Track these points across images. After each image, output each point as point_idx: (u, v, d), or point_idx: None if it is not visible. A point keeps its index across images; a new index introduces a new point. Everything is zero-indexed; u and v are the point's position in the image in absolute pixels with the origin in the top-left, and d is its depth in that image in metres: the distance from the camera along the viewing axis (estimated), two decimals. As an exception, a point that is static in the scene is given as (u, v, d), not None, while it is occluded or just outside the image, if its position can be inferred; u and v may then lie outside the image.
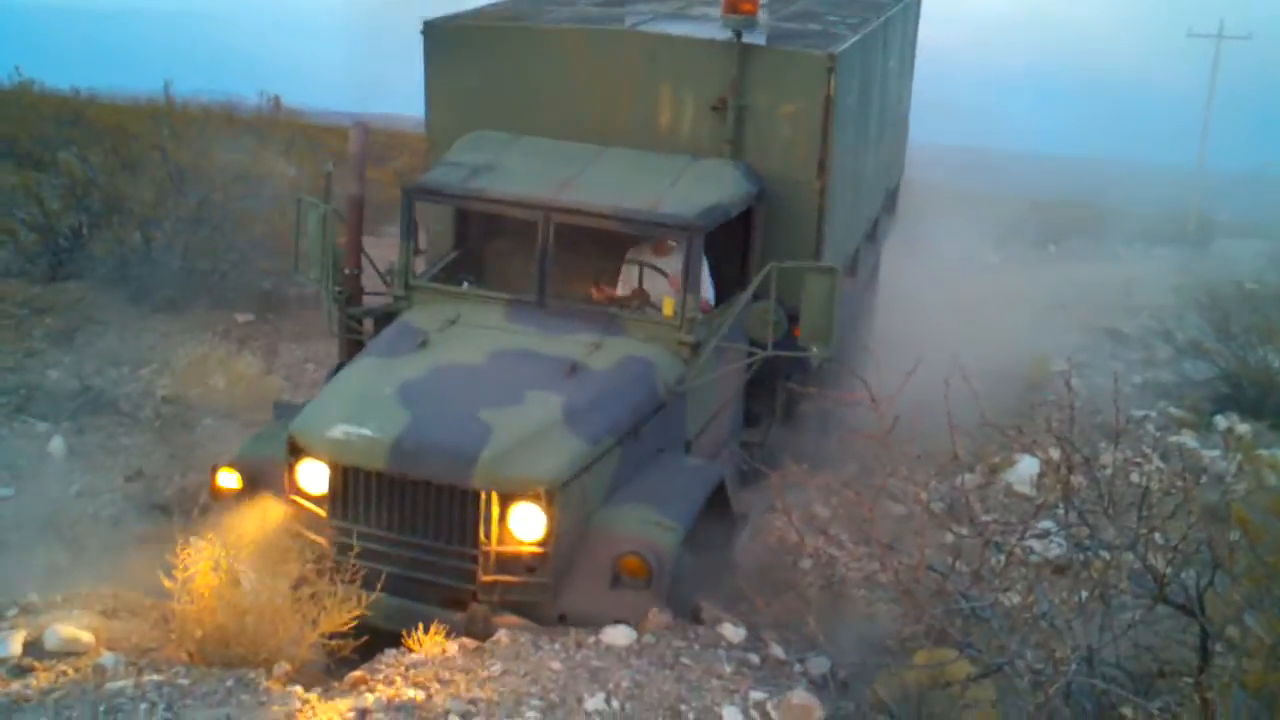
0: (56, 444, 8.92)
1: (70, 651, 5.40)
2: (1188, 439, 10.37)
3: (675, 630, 6.45)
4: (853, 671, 6.15)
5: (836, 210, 7.92)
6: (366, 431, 6.08)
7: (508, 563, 5.97)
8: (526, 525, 5.95)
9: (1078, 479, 5.28)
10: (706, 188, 7.30)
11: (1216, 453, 10.01)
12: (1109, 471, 5.89)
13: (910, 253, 12.58)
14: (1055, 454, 5.56)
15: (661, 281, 7.43)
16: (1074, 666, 4.39)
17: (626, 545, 5.95)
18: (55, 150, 15.16)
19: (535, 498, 5.91)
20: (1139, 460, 9.63)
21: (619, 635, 5.86)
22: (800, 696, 5.22)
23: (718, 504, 6.75)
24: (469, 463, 5.90)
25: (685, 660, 5.92)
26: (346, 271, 7.40)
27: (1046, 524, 6.34)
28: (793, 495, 7.43)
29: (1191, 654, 4.88)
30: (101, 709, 4.83)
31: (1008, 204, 19.60)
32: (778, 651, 6.35)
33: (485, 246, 7.96)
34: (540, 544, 5.95)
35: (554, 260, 7.04)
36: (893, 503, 7.83)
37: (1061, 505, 5.13)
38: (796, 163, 7.60)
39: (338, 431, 6.11)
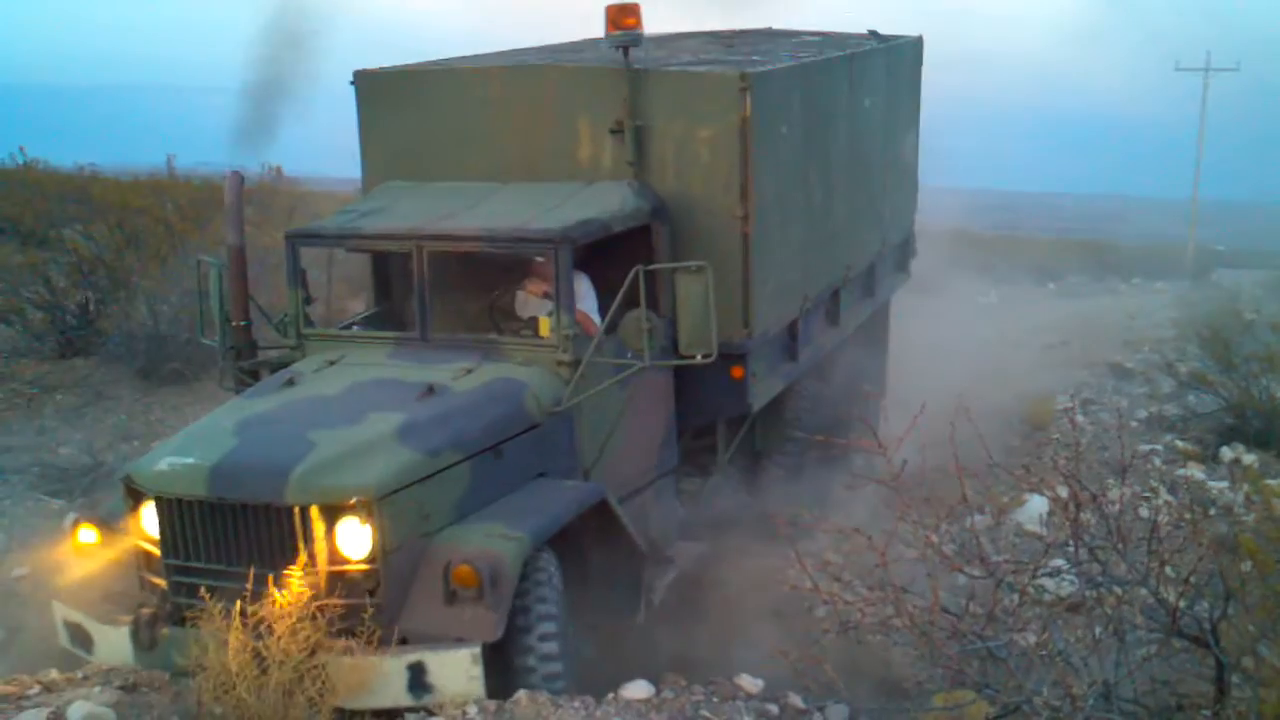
0: (70, 521, 8.95)
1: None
2: (1195, 471, 10.40)
3: (694, 683, 6.53)
4: (872, 717, 6.17)
5: (771, 244, 7.74)
6: (189, 460, 5.82)
7: (336, 584, 5.63)
8: (352, 541, 5.60)
9: (1086, 516, 5.33)
10: (586, 206, 7.14)
11: (1224, 484, 10.03)
12: (1117, 507, 5.92)
13: (909, 295, 12.67)
14: (1064, 492, 5.58)
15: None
16: (1091, 702, 4.41)
17: (458, 556, 5.58)
18: (60, 228, 15.37)
19: (358, 511, 5.56)
20: (1147, 495, 9.65)
21: (638, 690, 5.87)
22: (818, 745, 5.23)
23: (611, 533, 6.49)
24: (282, 478, 5.59)
25: (705, 713, 5.93)
26: (234, 324, 7.24)
27: (1058, 562, 6.37)
28: (803, 543, 7.50)
29: (1208, 686, 4.90)
30: (128, 784, 4.86)
31: (1004, 243, 19.75)
32: (796, 701, 6.37)
33: (404, 294, 7.76)
34: (368, 561, 5.59)
35: (433, 293, 6.89)
36: (904, 547, 7.84)
37: (1071, 543, 5.16)
38: (716, 189, 7.40)
39: (163, 464, 5.87)
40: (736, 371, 7.50)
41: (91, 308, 13.00)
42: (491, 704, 5.65)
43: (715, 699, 6.28)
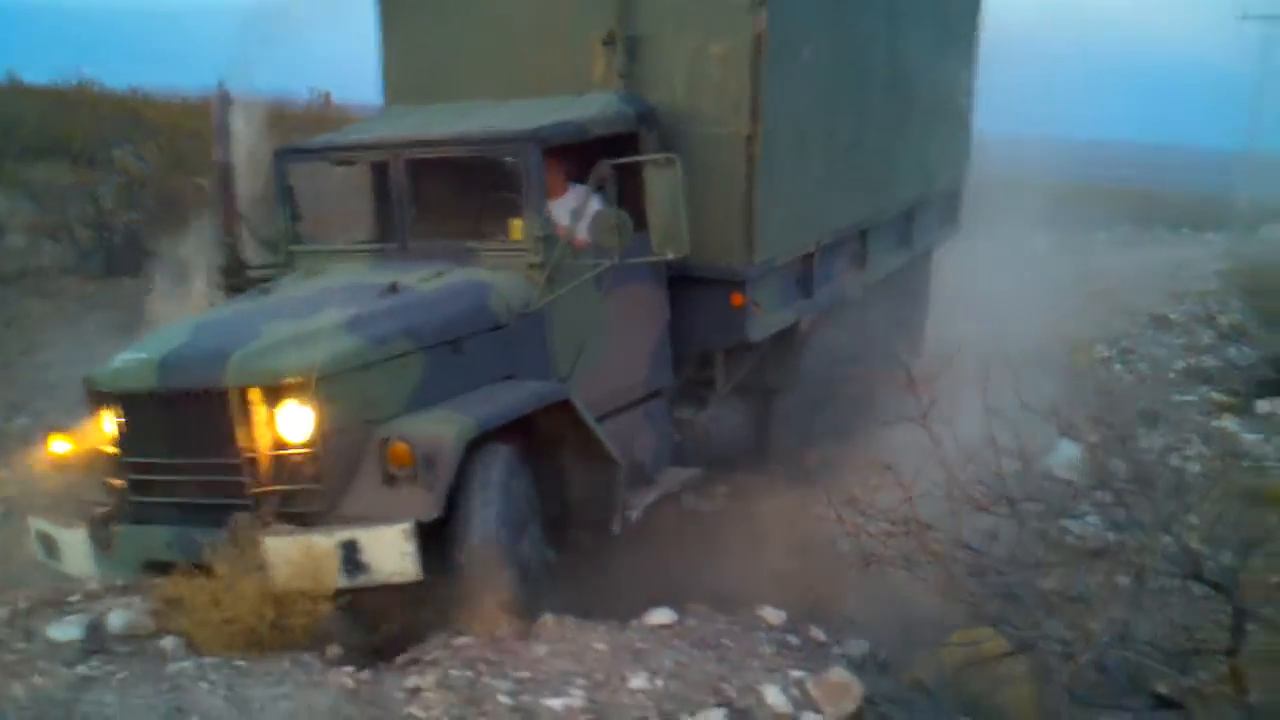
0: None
1: (132, 635, 5.54)
2: (1229, 423, 10.36)
3: (716, 612, 6.64)
4: (891, 652, 6.26)
5: (783, 170, 7.56)
6: (142, 355, 5.84)
7: (279, 470, 5.61)
8: (292, 425, 5.57)
9: (1116, 461, 5.35)
10: (563, 111, 7.04)
11: (1258, 436, 10.00)
12: (1151, 456, 5.94)
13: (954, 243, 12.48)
14: (1094, 438, 5.60)
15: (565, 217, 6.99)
16: (1106, 640, 4.47)
17: (395, 436, 5.52)
18: (110, 149, 15.50)
19: (297, 393, 5.52)
20: (1180, 445, 9.64)
21: (661, 616, 5.97)
22: (839, 675, 5.30)
23: (586, 442, 6.42)
24: (221, 362, 5.58)
25: (726, 641, 6.02)
26: (223, 240, 7.28)
27: (1084, 508, 6.41)
28: (830, 476, 7.55)
29: (1225, 633, 4.94)
30: (165, 688, 5.00)
31: (1055, 190, 19.43)
32: (817, 633, 6.45)
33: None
34: (308, 444, 5.56)
35: (420, 205, 6.88)
36: (931, 485, 7.86)
37: (1099, 489, 5.19)
38: (725, 106, 7.22)
39: (117, 362, 5.90)
40: (736, 299, 7.38)
41: (140, 227, 13.16)
42: (519, 625, 5.77)
43: (737, 629, 6.39)
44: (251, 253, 7.41)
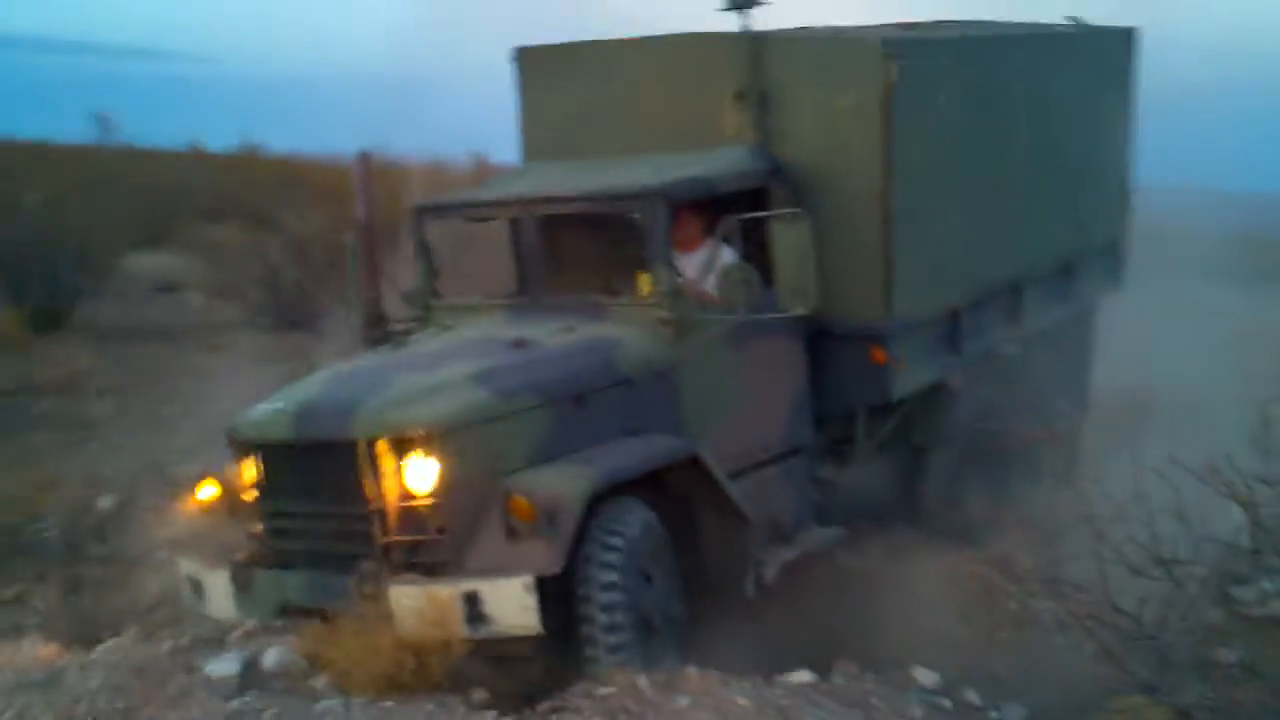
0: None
1: (285, 673, 5.66)
2: None
3: (866, 672, 6.49)
4: (1050, 718, 6.01)
5: (920, 222, 7.37)
6: (279, 405, 5.99)
7: (405, 521, 5.64)
8: (418, 476, 5.59)
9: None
10: (692, 166, 6.95)
11: None
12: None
13: (1136, 299, 11.96)
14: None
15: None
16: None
17: (518, 490, 5.50)
18: (277, 211, 16.18)
19: (424, 445, 5.56)
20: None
21: (802, 675, 5.85)
22: (983, 739, 5.13)
23: (719, 498, 6.33)
24: (350, 413, 5.69)
25: (874, 701, 5.88)
26: (363, 296, 7.39)
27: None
28: (982, 536, 7.31)
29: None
30: (311, 726, 5.10)
31: (1231, 243, 18.52)
32: (972, 697, 6.26)
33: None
34: (432, 495, 5.57)
35: (554, 261, 6.92)
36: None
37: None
38: (857, 159, 7.11)
39: (257, 413, 6.04)
40: (878, 354, 7.22)
41: (306, 284, 13.64)
42: (662, 677, 5.71)
43: (888, 689, 6.23)
44: (394, 308, 7.58)
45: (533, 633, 5.34)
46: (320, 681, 5.53)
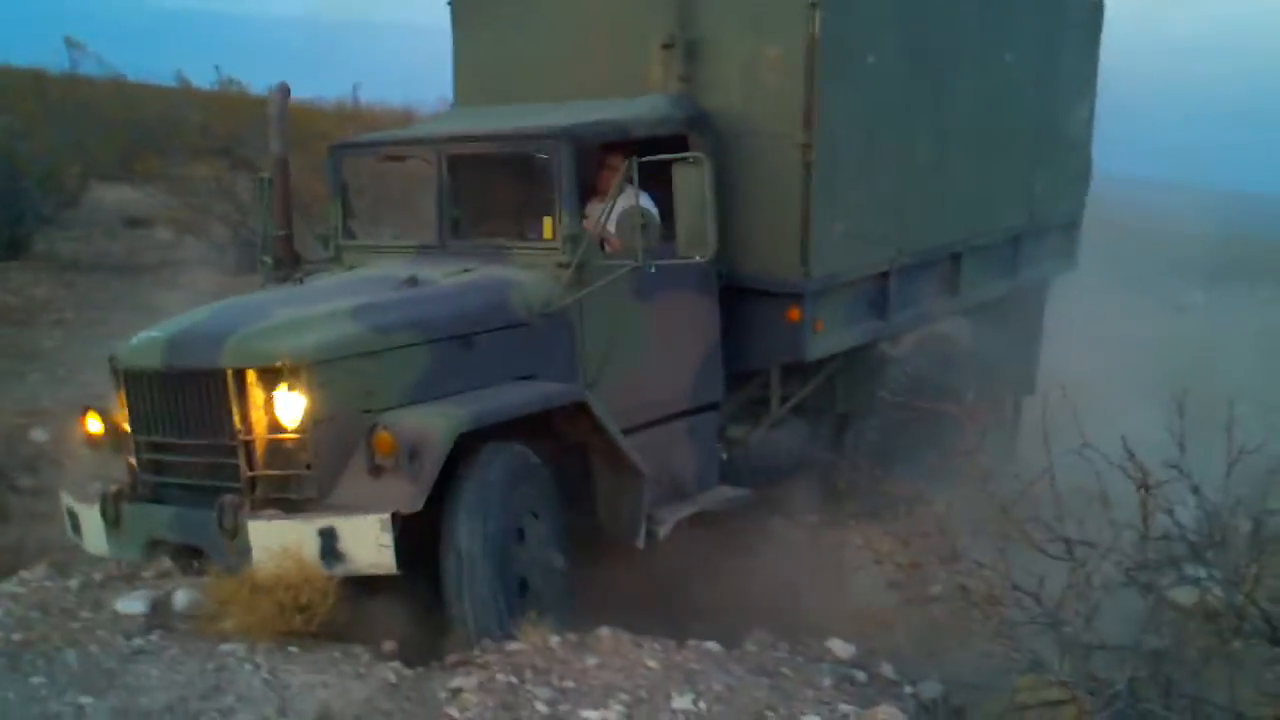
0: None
1: (195, 614, 5.59)
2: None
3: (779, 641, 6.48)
4: (970, 696, 6.01)
5: (844, 181, 7.25)
6: (153, 333, 5.84)
7: (272, 455, 5.54)
8: (286, 409, 5.47)
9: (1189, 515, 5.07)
10: (607, 112, 6.90)
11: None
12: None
13: (1101, 293, 11.88)
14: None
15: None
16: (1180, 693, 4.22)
17: (383, 426, 5.39)
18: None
19: (292, 377, 5.44)
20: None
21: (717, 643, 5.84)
22: (885, 713, 5.12)
23: (607, 450, 6.25)
24: (220, 343, 5.56)
25: (784, 670, 5.87)
26: (276, 233, 7.25)
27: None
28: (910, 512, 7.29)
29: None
30: (210, 666, 5.07)
31: (1204, 241, 18.50)
32: (888, 671, 6.26)
33: None
34: (300, 429, 5.46)
35: (451, 199, 6.81)
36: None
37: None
38: (780, 112, 6.98)
39: (134, 340, 5.89)
40: (793, 313, 7.10)
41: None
42: (574, 636, 5.70)
43: (800, 659, 6.22)
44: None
45: (387, 571, 5.28)
46: (229, 624, 5.49)
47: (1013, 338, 9.47)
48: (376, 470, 5.38)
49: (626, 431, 6.49)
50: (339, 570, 5.29)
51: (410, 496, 5.29)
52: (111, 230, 15.73)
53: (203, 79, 20.68)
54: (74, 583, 5.86)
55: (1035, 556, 5.18)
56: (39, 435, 8.43)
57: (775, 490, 7.77)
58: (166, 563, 6.15)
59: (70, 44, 17.97)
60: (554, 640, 5.57)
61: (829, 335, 7.44)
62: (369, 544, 5.23)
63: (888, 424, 7.91)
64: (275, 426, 5.51)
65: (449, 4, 8.24)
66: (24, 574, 5.98)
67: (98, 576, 5.95)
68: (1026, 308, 9.79)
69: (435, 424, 5.42)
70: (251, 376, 5.51)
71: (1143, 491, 4.69)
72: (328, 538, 5.27)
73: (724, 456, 7.43)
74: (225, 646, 5.29)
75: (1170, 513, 5.28)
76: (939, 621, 5.77)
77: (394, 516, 5.21)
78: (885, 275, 7.82)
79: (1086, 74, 10.10)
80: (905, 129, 7.84)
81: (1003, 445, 8.67)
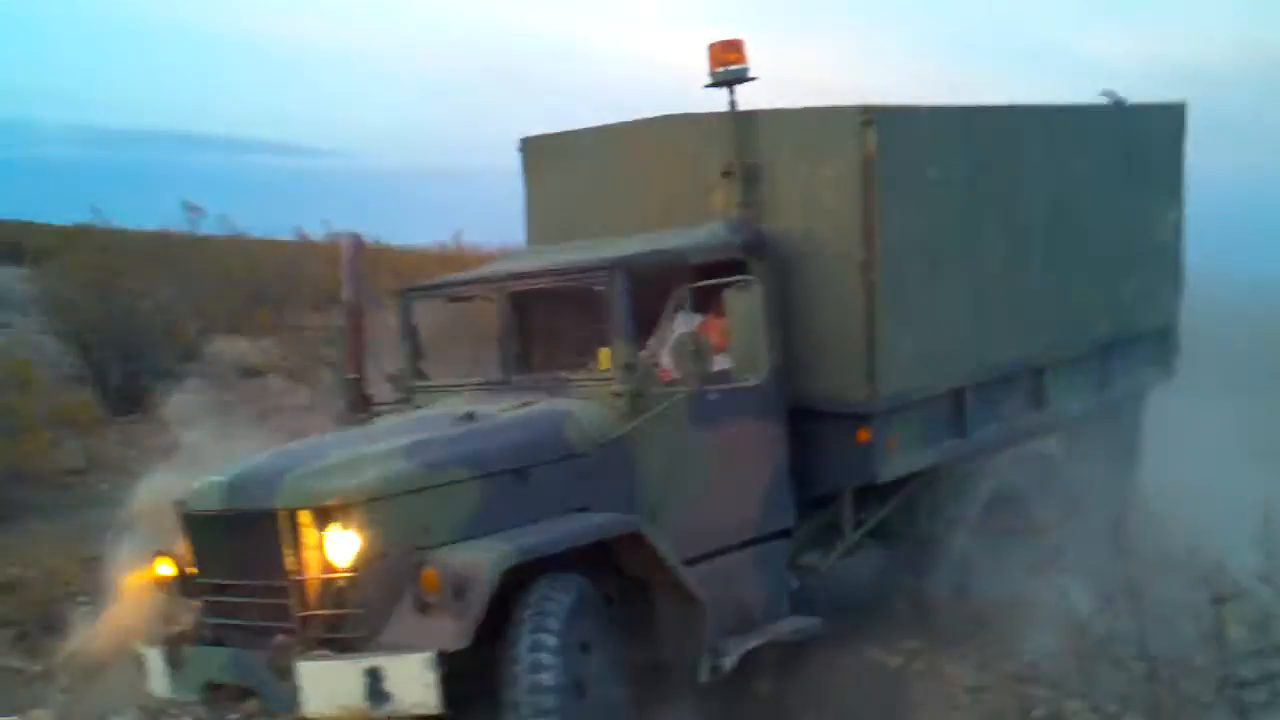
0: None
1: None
2: None
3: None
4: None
5: (910, 297, 7.21)
6: (216, 477, 5.92)
7: (324, 595, 5.55)
8: (338, 548, 5.49)
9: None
10: (665, 240, 6.97)
11: None
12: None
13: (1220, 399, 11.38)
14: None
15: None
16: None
17: (429, 563, 5.37)
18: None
19: (344, 517, 5.47)
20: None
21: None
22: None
23: (666, 580, 6.14)
24: (275, 483, 5.62)
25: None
26: (348, 377, 7.39)
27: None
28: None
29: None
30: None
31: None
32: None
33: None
34: (352, 568, 5.46)
35: (514, 335, 6.89)
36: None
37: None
38: (840, 231, 6.99)
39: (197, 484, 5.98)
40: (862, 434, 7.00)
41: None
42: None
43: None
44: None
45: (434, 711, 5.22)
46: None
47: (1109, 452, 9.18)
48: (424, 607, 5.36)
49: (690, 561, 6.42)
50: (384, 711, 5.26)
51: (456, 634, 5.24)
52: (228, 382, 16.21)
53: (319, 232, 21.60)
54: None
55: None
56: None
57: (858, 618, 7.58)
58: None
59: (188, 207, 18.78)
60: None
61: (903, 455, 7.32)
62: (414, 683, 5.19)
63: (974, 546, 7.66)
64: (328, 566, 5.56)
65: (519, 149, 8.49)
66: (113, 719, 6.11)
67: (184, 720, 6.06)
68: (1122, 420, 9.50)
69: (481, 559, 5.39)
70: (305, 517, 5.56)
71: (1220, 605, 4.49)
72: (373, 678, 5.24)
73: (794, 585, 7.26)
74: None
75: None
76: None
77: (440, 655, 5.19)
78: (960, 392, 7.68)
79: (1172, 177, 9.91)
80: (974, 242, 7.77)
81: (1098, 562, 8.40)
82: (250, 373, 16.75)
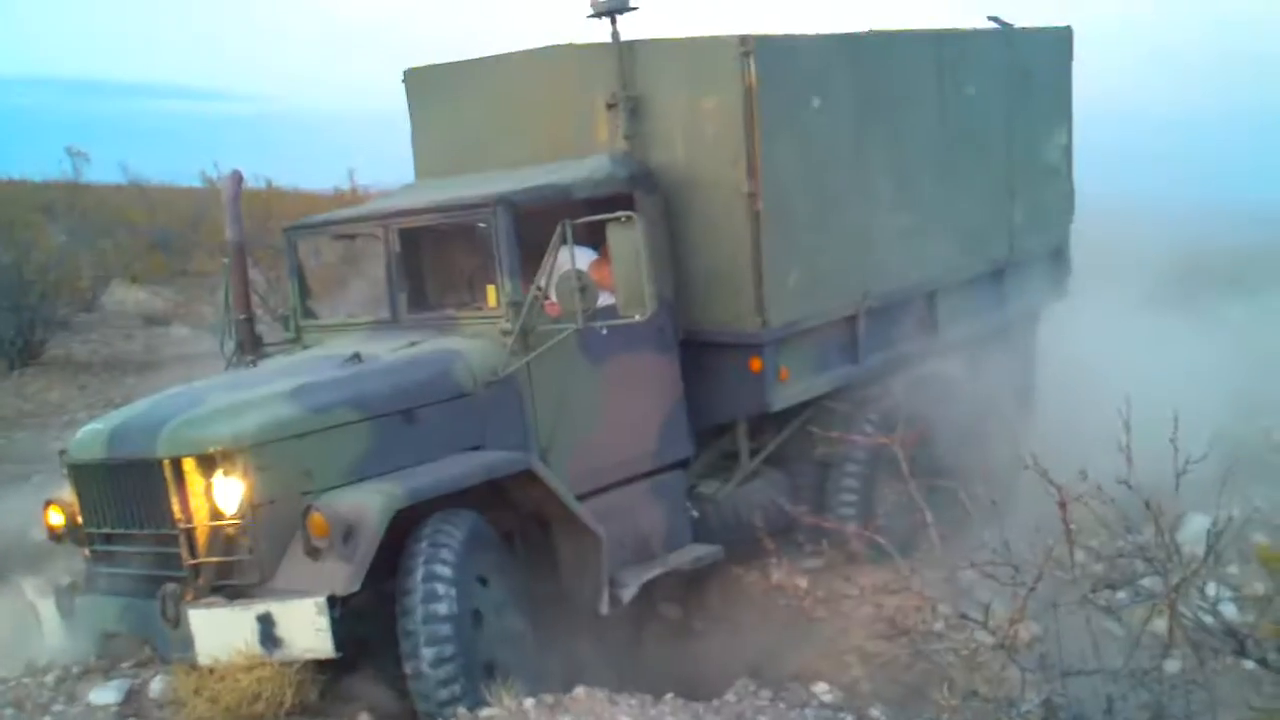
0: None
1: (170, 700, 5.60)
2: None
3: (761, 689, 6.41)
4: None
5: (796, 226, 7.20)
6: (98, 425, 5.94)
7: (213, 542, 5.53)
8: (225, 495, 5.47)
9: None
10: (548, 175, 6.90)
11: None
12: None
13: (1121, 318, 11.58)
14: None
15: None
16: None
17: (316, 508, 5.34)
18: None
19: (228, 464, 5.44)
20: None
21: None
22: (854, 753, 5.05)
23: (563, 515, 6.20)
24: (155, 432, 5.57)
25: (763, 718, 5.81)
26: (236, 318, 7.27)
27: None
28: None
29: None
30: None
31: (1229, 254, 17.99)
32: (877, 714, 6.17)
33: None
34: (239, 514, 5.45)
35: (402, 273, 6.84)
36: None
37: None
38: (723, 163, 6.94)
39: (80, 434, 6.00)
40: (754, 364, 7.04)
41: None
42: (550, 697, 5.64)
43: (781, 705, 6.15)
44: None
45: (327, 655, 5.25)
46: (194, 714, 5.43)
47: (1007, 373, 9.33)
48: (314, 552, 5.34)
49: (588, 495, 6.47)
50: (278, 655, 5.27)
51: (346, 578, 5.24)
52: (129, 331, 15.96)
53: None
54: (50, 678, 5.89)
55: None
56: (38, 535, 8.52)
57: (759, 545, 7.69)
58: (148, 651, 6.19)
59: (73, 153, 18.30)
60: (528, 703, 5.52)
61: (795, 384, 7.36)
62: (306, 628, 5.21)
63: (870, 469, 7.77)
64: (215, 513, 5.52)
65: (403, 81, 8.35)
66: (2, 673, 6.02)
67: (76, 670, 5.98)
68: (1015, 340, 9.62)
69: (369, 502, 5.40)
70: (189, 464, 5.52)
71: (1072, 507, 4.59)
72: (265, 623, 5.25)
73: (694, 514, 7.33)
74: (198, 732, 5.30)
75: (1129, 530, 5.22)
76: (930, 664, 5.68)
77: (331, 599, 5.19)
78: (854, 319, 7.75)
79: (1060, 101, 9.99)
80: (862, 170, 7.78)
81: (1002, 480, 8.55)
82: (153, 321, 16.50)
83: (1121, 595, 5.44)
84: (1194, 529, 8.89)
